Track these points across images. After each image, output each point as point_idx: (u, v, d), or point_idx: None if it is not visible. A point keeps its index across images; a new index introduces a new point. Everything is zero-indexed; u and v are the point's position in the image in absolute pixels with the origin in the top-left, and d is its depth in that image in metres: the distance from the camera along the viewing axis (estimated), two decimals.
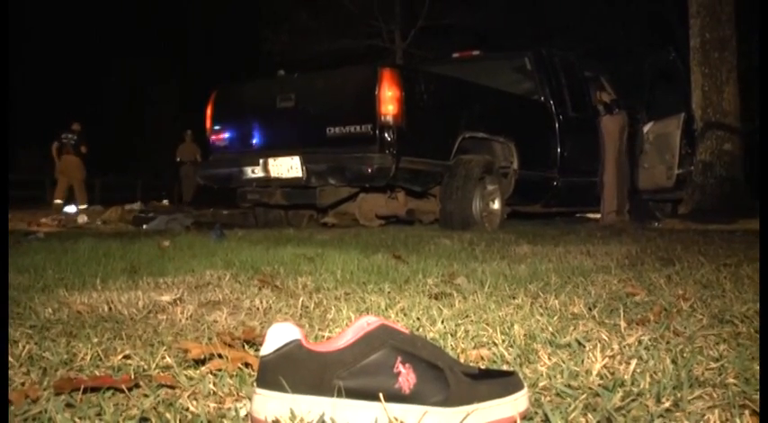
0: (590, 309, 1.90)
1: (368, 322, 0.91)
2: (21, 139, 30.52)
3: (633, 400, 1.03)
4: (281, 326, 0.89)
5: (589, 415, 0.96)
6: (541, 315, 1.79)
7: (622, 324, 1.64)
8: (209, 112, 6.98)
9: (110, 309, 1.98)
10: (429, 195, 6.57)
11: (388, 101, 5.63)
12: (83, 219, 9.61)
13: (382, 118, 5.63)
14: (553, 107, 7.38)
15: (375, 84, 5.68)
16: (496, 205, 6.51)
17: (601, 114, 7.81)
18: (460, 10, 21.59)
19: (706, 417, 0.95)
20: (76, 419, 0.96)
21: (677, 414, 0.96)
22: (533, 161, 7.10)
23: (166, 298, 2.08)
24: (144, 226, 8.16)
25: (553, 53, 7.83)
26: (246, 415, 0.96)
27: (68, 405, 1.02)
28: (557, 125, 7.36)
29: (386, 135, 5.61)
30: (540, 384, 1.14)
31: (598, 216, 9.46)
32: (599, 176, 7.80)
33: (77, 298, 2.12)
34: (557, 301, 2.00)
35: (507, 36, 20.43)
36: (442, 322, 1.70)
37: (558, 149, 7.36)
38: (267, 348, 0.88)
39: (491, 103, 6.84)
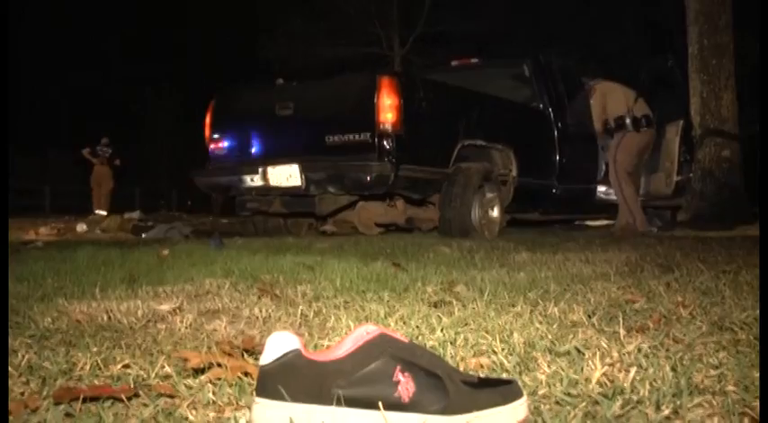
0: (589, 316, 1.91)
1: (367, 331, 0.92)
2: (18, 146, 30.55)
3: (633, 408, 1.03)
4: (280, 335, 0.90)
5: (588, 422, 0.96)
6: (541, 323, 1.79)
7: (621, 332, 1.64)
8: (207, 119, 6.99)
9: (109, 318, 1.98)
10: (428, 203, 6.57)
11: (387, 109, 5.64)
12: (82, 227, 9.62)
13: (381, 126, 5.64)
14: (552, 114, 7.39)
15: (374, 92, 5.69)
16: (495, 213, 6.51)
17: (627, 128, 7.54)
18: (459, 17, 21.69)
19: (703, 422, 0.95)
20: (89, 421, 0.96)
21: (676, 422, 0.96)
22: (532, 169, 7.12)
23: (166, 307, 2.08)
24: (143, 235, 8.16)
25: (552, 60, 7.84)
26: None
27: (68, 414, 1.02)
28: (555, 132, 7.38)
29: (385, 143, 5.63)
30: (540, 392, 1.14)
31: (596, 223, 9.47)
32: (614, 188, 7.63)
33: (76, 307, 2.12)
34: (556, 309, 2.00)
35: (505, 42, 20.49)
36: (442, 330, 1.70)
37: (557, 157, 7.37)
38: (267, 357, 0.89)
39: (490, 110, 6.85)
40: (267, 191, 6.37)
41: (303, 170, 5.99)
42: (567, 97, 7.71)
